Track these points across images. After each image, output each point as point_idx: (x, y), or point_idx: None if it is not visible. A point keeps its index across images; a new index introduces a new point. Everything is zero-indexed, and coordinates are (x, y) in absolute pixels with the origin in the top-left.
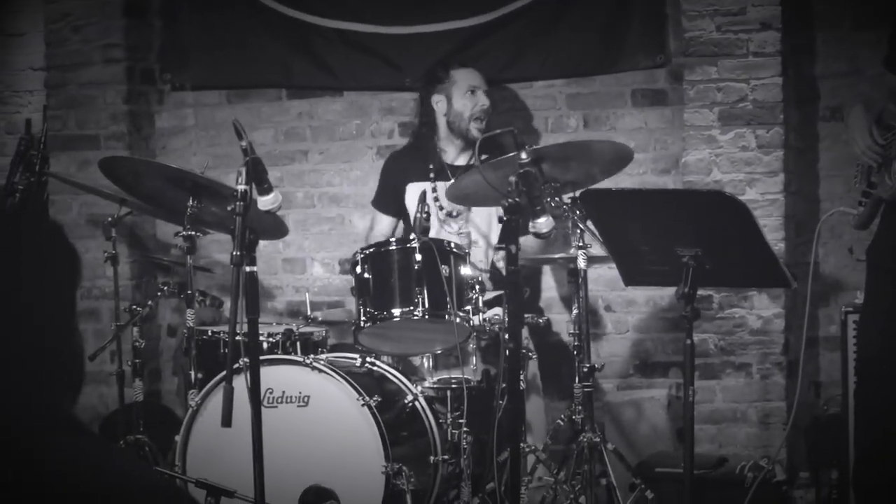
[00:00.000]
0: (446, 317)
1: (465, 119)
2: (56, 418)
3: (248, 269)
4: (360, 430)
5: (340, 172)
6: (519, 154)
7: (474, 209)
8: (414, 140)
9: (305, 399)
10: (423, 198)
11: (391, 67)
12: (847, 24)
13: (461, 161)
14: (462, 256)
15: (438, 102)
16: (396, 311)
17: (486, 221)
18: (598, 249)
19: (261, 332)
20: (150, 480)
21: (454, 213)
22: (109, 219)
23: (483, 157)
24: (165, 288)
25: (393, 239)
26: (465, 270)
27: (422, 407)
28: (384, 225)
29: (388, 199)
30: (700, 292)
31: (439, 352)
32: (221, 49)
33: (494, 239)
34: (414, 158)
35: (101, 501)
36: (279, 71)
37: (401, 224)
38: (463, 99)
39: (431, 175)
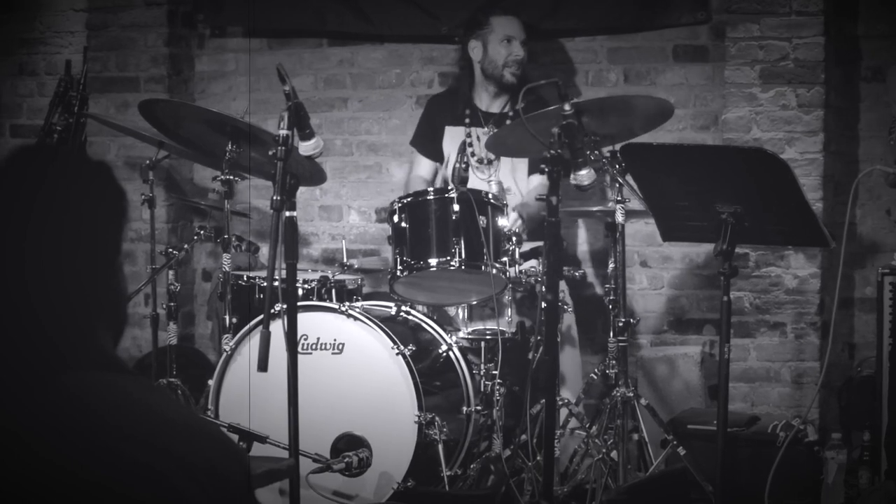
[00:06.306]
0: (483, 268)
1: (498, 66)
2: (99, 358)
3: (287, 214)
4: (393, 378)
5: (379, 121)
6: (562, 106)
7: (502, 159)
8: (455, 85)
9: (340, 346)
10: (462, 148)
11: (428, 15)
12: None
13: (494, 108)
14: (499, 208)
15: (474, 49)
16: (433, 261)
17: (510, 171)
18: (635, 204)
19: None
20: (194, 420)
21: (485, 161)
22: (147, 161)
23: (521, 104)
24: (202, 232)
25: (431, 189)
26: (503, 222)
27: (456, 357)
28: (424, 168)
29: (428, 141)
30: (736, 250)
31: (475, 303)
32: None
33: (520, 187)
34: (453, 102)
35: (146, 440)
36: (314, 17)
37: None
38: (498, 47)
39: (466, 120)
